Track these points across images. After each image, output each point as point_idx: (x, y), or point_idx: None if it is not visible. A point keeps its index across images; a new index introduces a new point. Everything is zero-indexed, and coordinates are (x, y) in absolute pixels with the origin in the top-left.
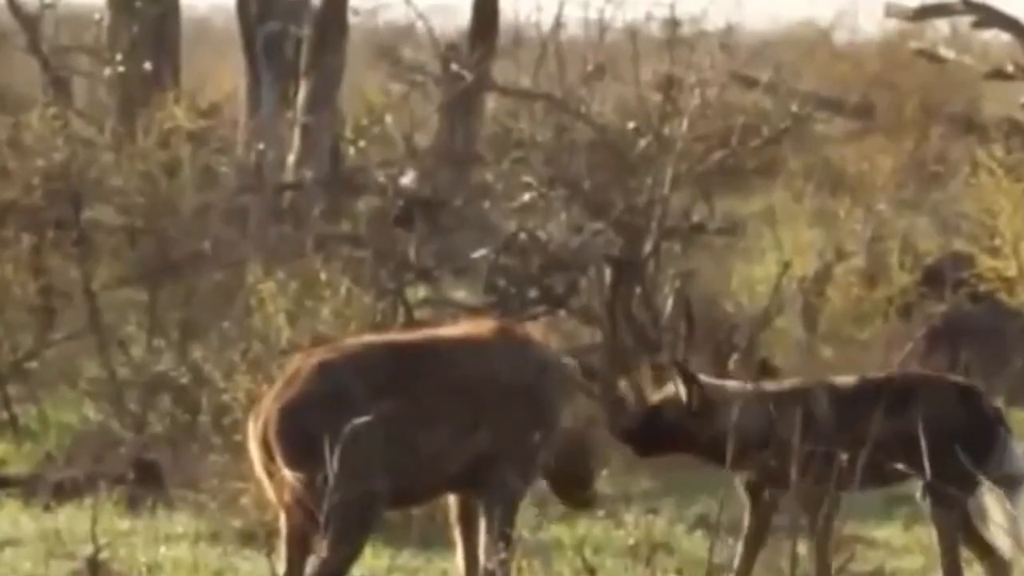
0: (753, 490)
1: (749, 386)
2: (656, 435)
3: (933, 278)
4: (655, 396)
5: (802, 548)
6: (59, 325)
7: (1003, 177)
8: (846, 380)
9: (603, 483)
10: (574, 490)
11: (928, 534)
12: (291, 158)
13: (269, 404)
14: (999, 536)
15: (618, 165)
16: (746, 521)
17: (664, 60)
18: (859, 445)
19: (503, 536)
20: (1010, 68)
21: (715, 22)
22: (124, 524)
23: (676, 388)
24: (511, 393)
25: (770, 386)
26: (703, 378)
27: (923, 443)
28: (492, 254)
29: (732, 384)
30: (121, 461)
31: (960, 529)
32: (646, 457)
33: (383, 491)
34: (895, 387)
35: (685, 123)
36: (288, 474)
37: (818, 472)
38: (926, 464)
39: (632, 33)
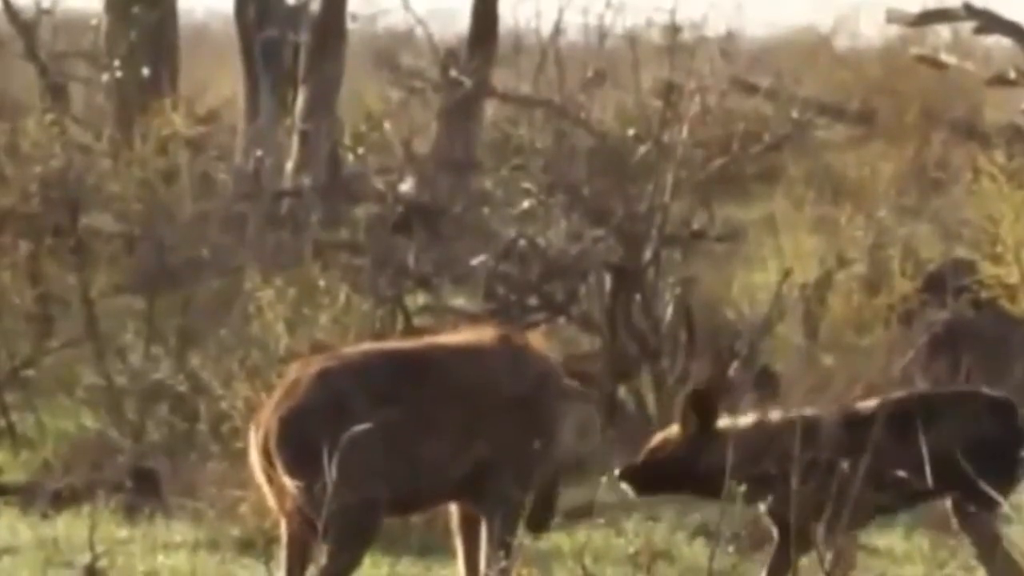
0: (779, 519)
1: (755, 418)
2: (656, 471)
3: (935, 285)
4: (657, 436)
5: (804, 559)
6: (56, 333)
7: (1005, 183)
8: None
9: (603, 491)
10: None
11: (929, 542)
12: (289, 165)
13: (270, 413)
14: None
15: (618, 172)
16: (774, 550)
17: (664, 66)
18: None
19: (503, 544)
20: (1012, 74)
21: (715, 28)
22: (122, 532)
23: (683, 413)
24: (510, 401)
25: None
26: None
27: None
28: (491, 261)
29: (744, 419)
30: (119, 469)
31: (997, 535)
32: (644, 495)
33: (383, 499)
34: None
35: (685, 130)
36: (289, 482)
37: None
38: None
39: (632, 39)
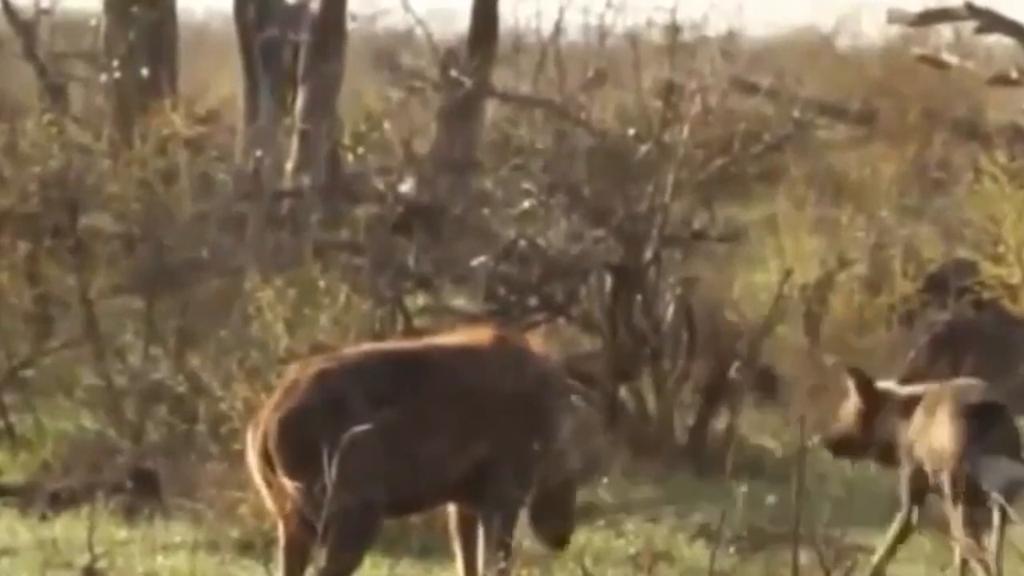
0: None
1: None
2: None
3: (936, 285)
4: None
5: (804, 557)
6: (55, 333)
7: (1006, 184)
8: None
9: (603, 491)
10: (552, 526)
11: (930, 542)
12: (289, 165)
13: (268, 414)
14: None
15: (619, 172)
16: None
17: (665, 66)
18: None
19: (502, 545)
20: (1014, 74)
21: (716, 28)
22: (121, 533)
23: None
24: (510, 402)
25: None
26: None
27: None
28: (492, 262)
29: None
30: (118, 470)
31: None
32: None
33: (382, 500)
34: None
35: (686, 130)
36: (288, 484)
37: None
38: None
39: (632, 39)
